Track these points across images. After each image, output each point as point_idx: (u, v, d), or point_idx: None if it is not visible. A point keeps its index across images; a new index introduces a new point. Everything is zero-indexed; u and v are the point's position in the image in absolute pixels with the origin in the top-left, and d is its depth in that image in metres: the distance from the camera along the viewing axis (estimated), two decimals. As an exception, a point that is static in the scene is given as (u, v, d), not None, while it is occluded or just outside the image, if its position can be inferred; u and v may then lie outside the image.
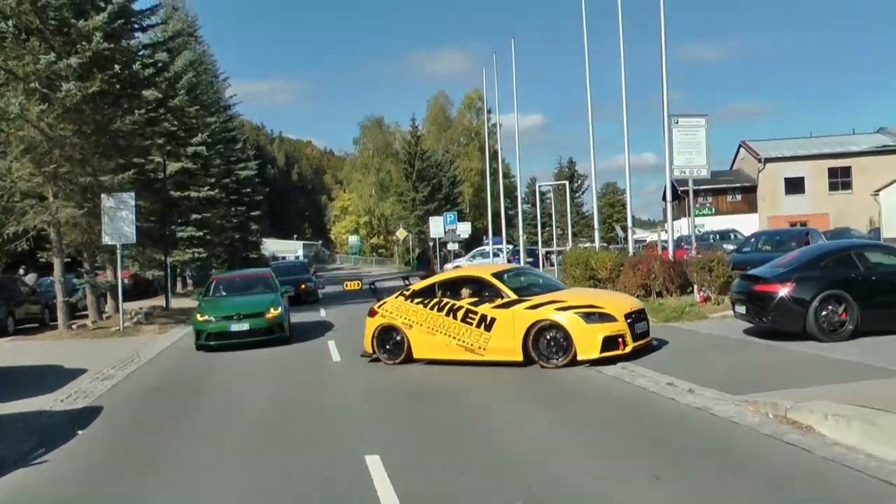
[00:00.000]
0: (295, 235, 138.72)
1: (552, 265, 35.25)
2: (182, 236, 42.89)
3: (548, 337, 14.11)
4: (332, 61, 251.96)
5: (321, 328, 23.20)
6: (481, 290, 15.37)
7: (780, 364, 12.68)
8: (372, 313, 16.54)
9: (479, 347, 14.75)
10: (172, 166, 37.82)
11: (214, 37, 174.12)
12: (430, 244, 68.89)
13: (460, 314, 15.06)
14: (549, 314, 14.20)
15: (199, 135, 42.83)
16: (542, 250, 45.19)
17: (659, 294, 21.91)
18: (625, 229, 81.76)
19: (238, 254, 61.82)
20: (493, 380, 13.66)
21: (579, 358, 13.82)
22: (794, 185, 64.39)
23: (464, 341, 14.93)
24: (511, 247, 53.90)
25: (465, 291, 15.52)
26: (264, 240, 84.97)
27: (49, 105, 23.72)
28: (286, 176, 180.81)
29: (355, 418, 11.37)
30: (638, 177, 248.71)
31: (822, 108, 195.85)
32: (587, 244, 45.20)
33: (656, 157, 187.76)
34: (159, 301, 36.29)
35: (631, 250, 26.56)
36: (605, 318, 14.05)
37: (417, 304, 15.77)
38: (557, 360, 13.92)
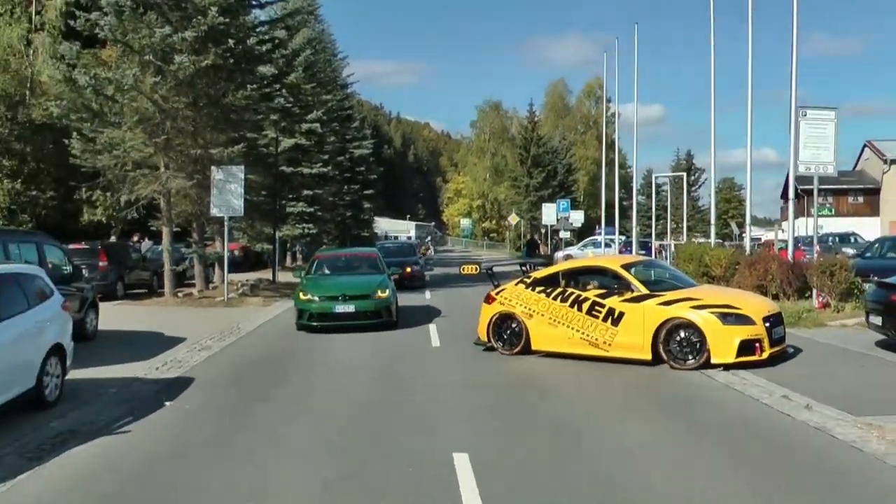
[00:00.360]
0: (408, 216, 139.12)
1: (664, 259, 34.10)
2: (292, 211, 43.11)
3: (680, 336, 13.28)
4: (453, 44, 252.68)
5: (425, 312, 22.67)
6: (609, 282, 14.54)
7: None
8: (489, 300, 15.69)
9: (605, 342, 13.92)
10: (286, 142, 37.91)
11: (335, 15, 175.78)
12: (542, 231, 68.06)
13: (586, 306, 14.19)
14: (684, 312, 13.35)
15: (315, 112, 42.81)
16: (655, 243, 43.95)
17: (775, 297, 20.79)
18: (740, 226, 79.71)
19: (349, 231, 61.89)
20: (598, 379, 13.01)
21: (713, 361, 12.97)
22: (921, 189, 61.59)
23: (588, 335, 14.09)
24: (623, 238, 52.70)
25: (591, 283, 14.72)
26: (377, 218, 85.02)
27: (162, 77, 23.89)
28: (402, 156, 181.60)
29: (449, 411, 10.83)
30: (756, 173, 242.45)
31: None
32: (701, 239, 43.99)
33: (776, 154, 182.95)
34: (267, 274, 36.47)
35: (748, 249, 25.34)
36: (743, 319, 13.16)
37: (539, 292, 14.90)
38: (689, 361, 13.09)
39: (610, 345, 13.85)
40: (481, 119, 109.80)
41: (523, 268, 16.96)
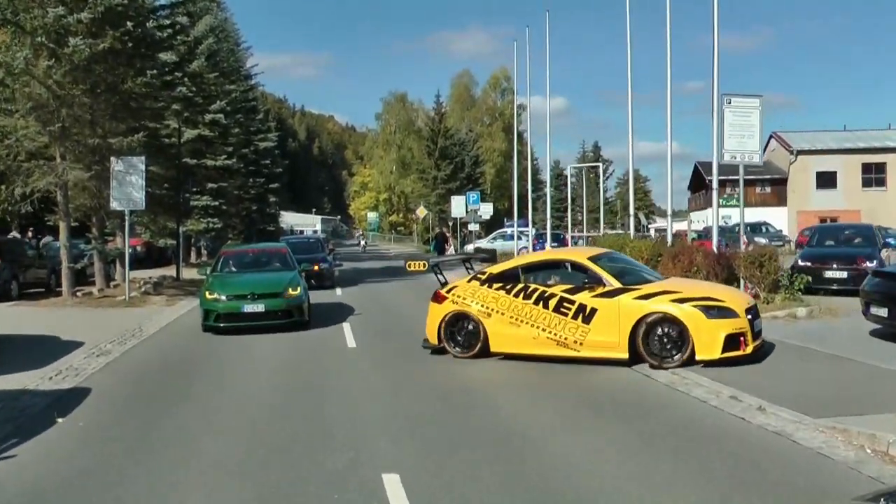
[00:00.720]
0: (314, 210, 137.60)
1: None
2: (197, 205, 41.78)
3: (660, 332, 12.44)
4: (357, 37, 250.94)
5: (337, 310, 21.73)
6: (574, 276, 13.53)
7: (861, 379, 11.24)
8: (439, 298, 14.45)
9: (575, 342, 12.91)
10: (189, 133, 36.63)
11: (237, 5, 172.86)
12: (449, 224, 67.52)
13: (553, 303, 13.13)
14: (664, 306, 12.52)
15: (218, 102, 41.58)
16: (570, 235, 43.60)
17: (700, 288, 20.41)
18: (648, 217, 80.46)
19: (255, 225, 60.78)
20: (530, 383, 12.15)
21: (697, 358, 12.21)
22: (826, 180, 62.97)
23: (556, 334, 13.05)
24: (534, 230, 52.33)
25: (553, 277, 13.72)
26: (282, 213, 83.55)
27: (57, 61, 22.41)
28: (307, 150, 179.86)
29: (373, 424, 9.74)
30: (658, 166, 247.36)
31: (856, 102, 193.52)
32: (612, 231, 43.89)
33: (678, 146, 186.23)
34: (171, 271, 35.12)
35: (670, 240, 24.96)
36: (727, 312, 12.44)
37: (497, 289, 13.76)
38: (672, 359, 12.29)
39: (581, 344, 12.89)
40: (387, 111, 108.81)
41: (467, 264, 16.03)
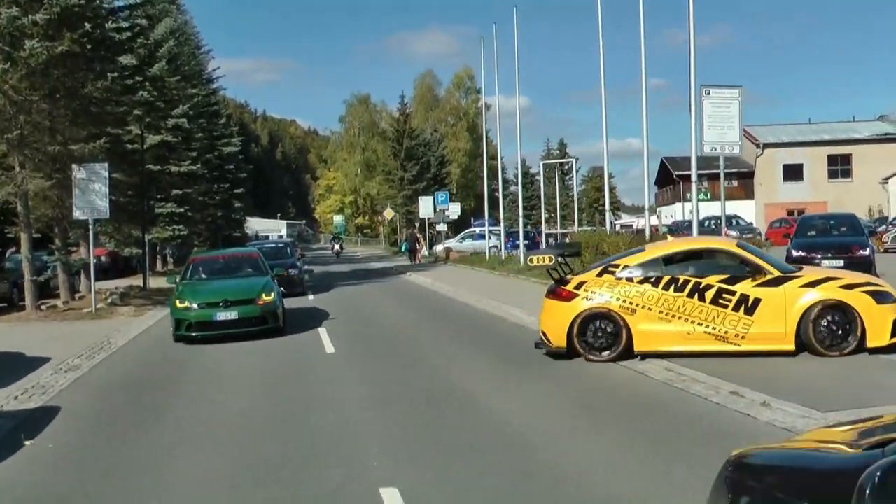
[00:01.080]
0: (279, 214, 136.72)
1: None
2: (162, 212, 40.99)
3: (828, 320, 11.81)
4: (316, 41, 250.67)
5: (313, 316, 21.14)
6: (724, 265, 12.73)
7: (861, 370, 10.92)
8: (565, 295, 12.98)
9: (737, 336, 12.10)
10: (152, 139, 35.85)
11: (197, 11, 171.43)
12: (416, 225, 67.02)
13: (710, 294, 12.20)
14: (833, 293, 11.91)
15: (181, 107, 40.73)
16: (544, 231, 43.09)
17: (680, 283, 20.06)
18: (614, 213, 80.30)
19: (220, 232, 59.98)
20: (524, 383, 11.72)
21: (869, 345, 11.66)
22: (793, 172, 63.38)
23: (714, 328, 12.17)
24: (503, 229, 51.92)
25: (690, 268, 12.77)
26: (248, 218, 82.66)
27: (13, 65, 21.62)
28: (270, 155, 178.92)
29: (364, 434, 9.20)
30: (621, 162, 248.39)
31: (820, 96, 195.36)
32: (585, 228, 43.60)
33: (640, 142, 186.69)
34: (138, 281, 34.33)
35: (647, 234, 24.60)
36: (890, 297, 11.91)
37: (640, 282, 12.66)
38: (842, 347, 11.70)
39: (743, 337, 12.11)
40: (350, 113, 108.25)
41: (561, 259, 14.44)
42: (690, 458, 7.59)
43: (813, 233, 23.54)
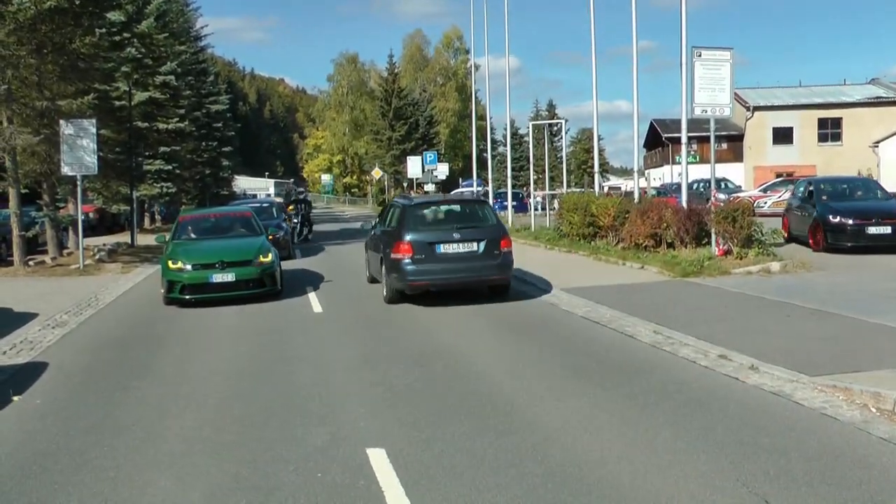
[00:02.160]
0: (266, 173, 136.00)
1: (554, 209, 32.76)
2: (150, 169, 40.91)
3: None
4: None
5: (300, 278, 20.95)
6: None
7: (848, 334, 10.94)
8: None
9: None
10: (139, 95, 35.62)
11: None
12: (405, 185, 66.89)
13: None
14: None
15: (168, 64, 40.53)
16: (539, 193, 42.76)
17: (670, 245, 20.12)
18: (602, 175, 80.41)
19: (209, 190, 59.84)
20: (510, 344, 11.77)
21: None
22: (783, 135, 63.48)
23: None
24: (492, 189, 51.84)
25: None
26: (236, 177, 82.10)
27: (0, 20, 21.41)
28: (258, 113, 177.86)
29: (351, 395, 9.21)
30: (609, 124, 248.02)
31: (807, 59, 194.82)
32: (573, 189, 43.56)
33: (629, 105, 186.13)
34: (125, 237, 34.28)
35: (636, 196, 24.57)
36: None
37: None
38: None
39: None
40: (338, 72, 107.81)
41: None
42: (678, 422, 7.66)
43: (825, 198, 22.00)
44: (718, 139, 63.01)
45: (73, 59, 24.61)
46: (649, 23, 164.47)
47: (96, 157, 23.66)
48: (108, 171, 29.79)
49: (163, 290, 16.95)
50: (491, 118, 52.76)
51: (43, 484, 6.65)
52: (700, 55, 18.90)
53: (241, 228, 19.54)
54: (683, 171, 21.54)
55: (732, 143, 63.45)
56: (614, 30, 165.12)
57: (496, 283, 15.72)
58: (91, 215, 38.71)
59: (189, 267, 16.65)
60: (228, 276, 16.56)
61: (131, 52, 30.92)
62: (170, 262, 16.84)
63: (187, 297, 16.55)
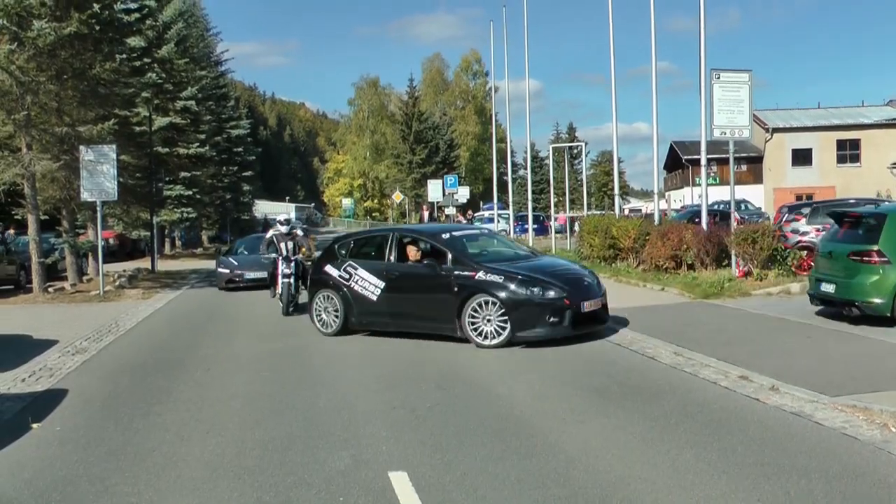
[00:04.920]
0: (287, 198, 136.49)
1: (574, 232, 32.65)
2: (170, 195, 41.05)
3: None
4: (323, 23, 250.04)
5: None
6: None
7: (869, 355, 10.84)
8: None
9: None
10: (160, 121, 35.87)
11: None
12: (426, 208, 66.93)
13: None
14: None
15: (189, 89, 40.81)
16: (562, 215, 42.54)
17: (690, 267, 20.00)
18: (623, 197, 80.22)
19: (229, 214, 59.91)
20: (530, 368, 11.61)
21: None
22: (802, 157, 63.14)
23: None
24: (513, 212, 51.82)
25: None
26: (256, 201, 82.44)
27: (20, 46, 21.55)
28: (278, 137, 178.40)
29: (369, 416, 9.14)
30: (628, 146, 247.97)
31: (825, 79, 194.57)
32: (593, 212, 43.45)
33: (649, 126, 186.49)
34: (146, 263, 34.36)
35: (657, 219, 24.47)
36: None
37: None
38: None
39: None
40: (359, 96, 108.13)
41: None
42: (699, 443, 7.55)
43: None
44: (738, 161, 62.63)
45: (93, 84, 24.72)
46: (667, 44, 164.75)
47: (116, 182, 23.75)
48: (128, 196, 29.94)
49: None
50: (511, 141, 52.82)
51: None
52: (719, 77, 18.84)
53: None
54: (703, 193, 21.44)
55: (752, 165, 63.17)
56: (633, 50, 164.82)
57: None
58: (111, 241, 38.89)
59: None
60: None
61: (152, 78, 31.05)
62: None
63: None
